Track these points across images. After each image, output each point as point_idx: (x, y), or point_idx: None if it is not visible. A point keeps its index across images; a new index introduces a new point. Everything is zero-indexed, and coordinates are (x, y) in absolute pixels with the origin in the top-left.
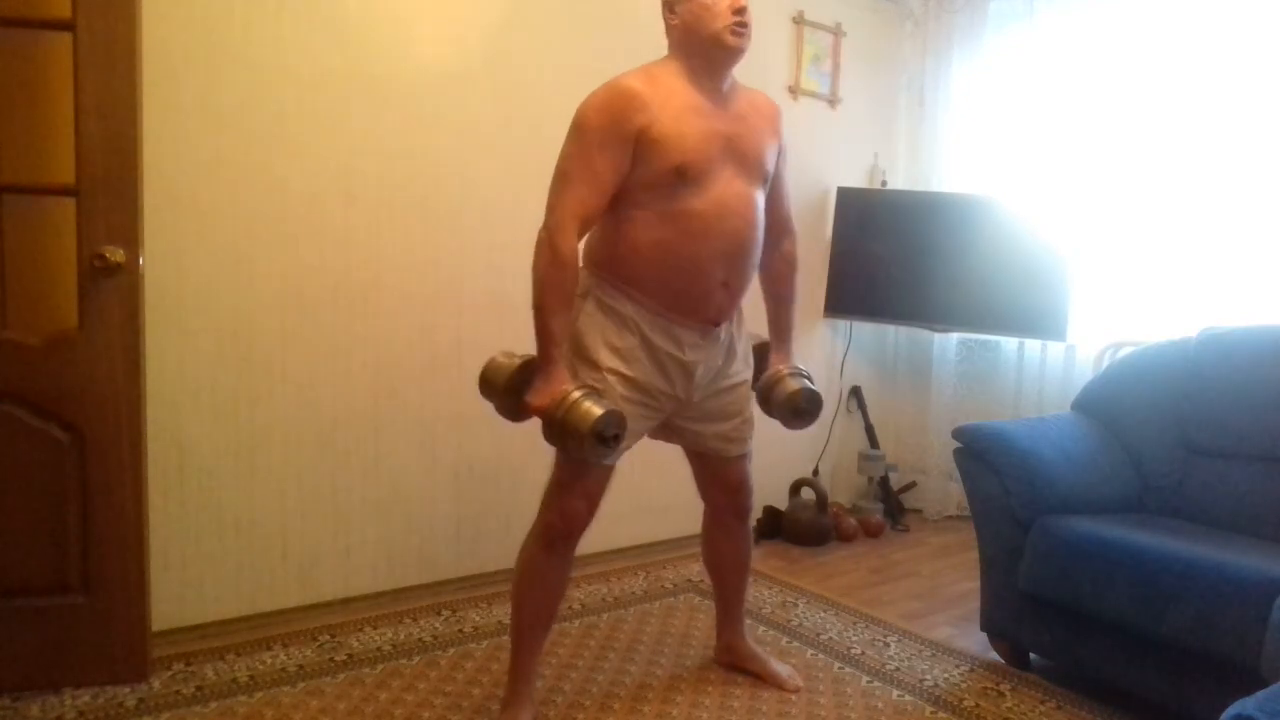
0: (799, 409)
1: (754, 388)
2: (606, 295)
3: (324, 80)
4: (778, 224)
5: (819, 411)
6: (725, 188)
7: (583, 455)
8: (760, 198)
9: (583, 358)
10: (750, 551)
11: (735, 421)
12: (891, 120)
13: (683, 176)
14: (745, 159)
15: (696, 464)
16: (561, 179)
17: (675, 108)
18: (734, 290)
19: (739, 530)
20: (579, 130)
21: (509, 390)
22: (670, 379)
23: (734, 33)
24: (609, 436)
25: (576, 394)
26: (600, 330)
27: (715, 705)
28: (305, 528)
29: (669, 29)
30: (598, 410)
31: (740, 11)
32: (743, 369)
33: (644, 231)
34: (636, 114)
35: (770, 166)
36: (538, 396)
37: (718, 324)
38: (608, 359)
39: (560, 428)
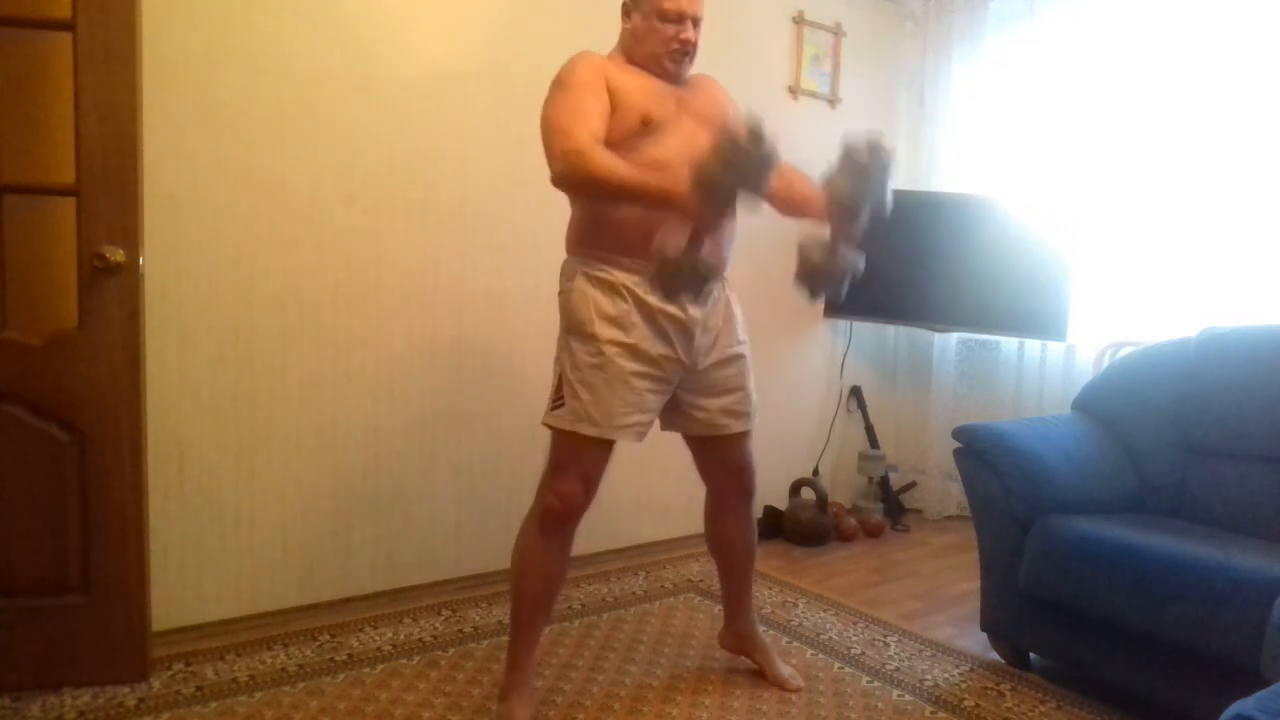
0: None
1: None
2: (594, 269)
3: (324, 80)
4: None
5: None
6: (689, 139)
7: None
8: None
9: (579, 334)
10: (756, 533)
11: (739, 395)
12: (891, 120)
13: (648, 126)
14: (702, 114)
15: (699, 448)
16: (558, 118)
17: (627, 75)
18: (716, 241)
19: (745, 511)
20: (561, 84)
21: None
22: (670, 341)
23: (672, 59)
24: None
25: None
26: (593, 303)
27: (715, 705)
28: (305, 528)
29: (622, 30)
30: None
31: (684, 42)
32: (743, 341)
33: None
34: (600, 69)
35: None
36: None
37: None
38: (604, 330)
39: (720, 170)
